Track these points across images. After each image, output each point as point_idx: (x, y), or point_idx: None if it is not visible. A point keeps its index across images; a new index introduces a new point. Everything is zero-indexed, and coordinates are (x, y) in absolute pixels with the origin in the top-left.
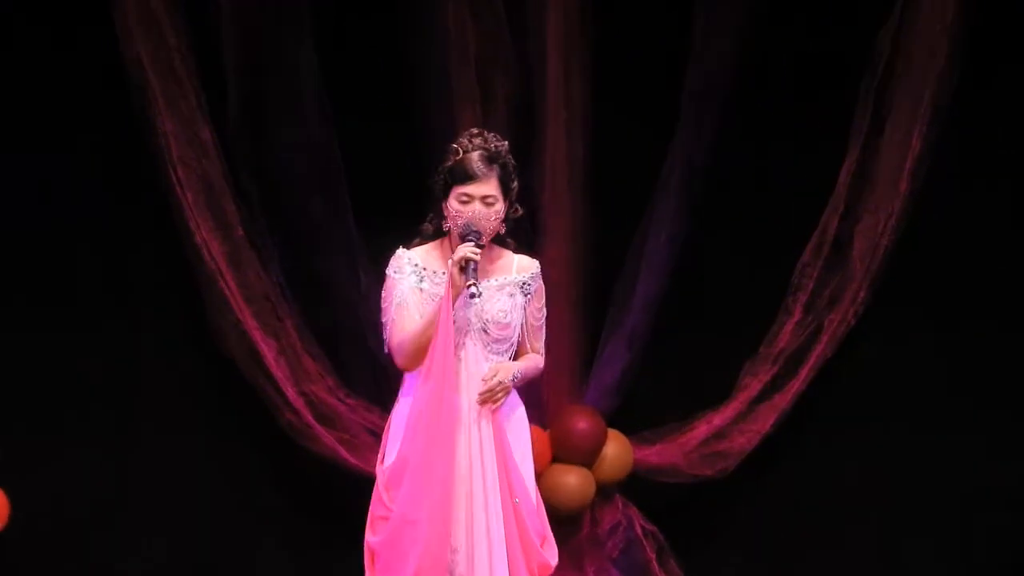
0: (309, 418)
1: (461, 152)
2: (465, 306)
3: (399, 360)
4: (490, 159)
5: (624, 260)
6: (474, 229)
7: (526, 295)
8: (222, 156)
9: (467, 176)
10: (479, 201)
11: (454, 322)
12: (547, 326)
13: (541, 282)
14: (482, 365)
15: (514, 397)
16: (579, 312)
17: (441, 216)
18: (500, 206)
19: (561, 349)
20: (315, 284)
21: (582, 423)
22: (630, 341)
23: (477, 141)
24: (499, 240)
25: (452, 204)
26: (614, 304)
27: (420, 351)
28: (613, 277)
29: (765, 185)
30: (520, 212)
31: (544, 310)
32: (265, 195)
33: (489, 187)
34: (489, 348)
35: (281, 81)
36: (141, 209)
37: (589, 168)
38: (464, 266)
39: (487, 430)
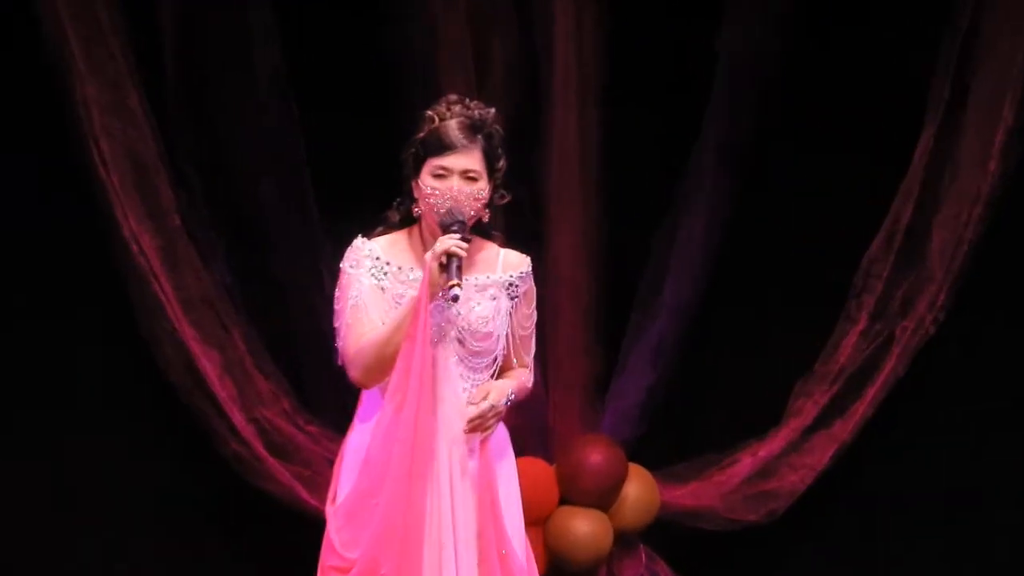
0: (260, 449)
1: (437, 120)
2: (437, 311)
3: (355, 373)
4: (473, 128)
5: (648, 256)
6: (459, 218)
7: (512, 299)
8: (156, 128)
9: (444, 146)
10: (458, 176)
11: None
12: (555, 335)
13: (532, 283)
14: (456, 384)
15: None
16: (593, 319)
17: (411, 199)
18: (484, 184)
19: (572, 364)
20: (269, 286)
21: (597, 456)
22: (656, 355)
23: (457, 108)
24: (481, 230)
25: (425, 180)
26: (637, 309)
27: (382, 364)
28: (635, 276)
29: (820, 166)
30: (507, 198)
31: (535, 315)
32: (208, 176)
33: (471, 160)
34: (467, 363)
35: (229, 39)
36: (59, 193)
37: (604, 146)
38: (447, 263)
39: (468, 464)
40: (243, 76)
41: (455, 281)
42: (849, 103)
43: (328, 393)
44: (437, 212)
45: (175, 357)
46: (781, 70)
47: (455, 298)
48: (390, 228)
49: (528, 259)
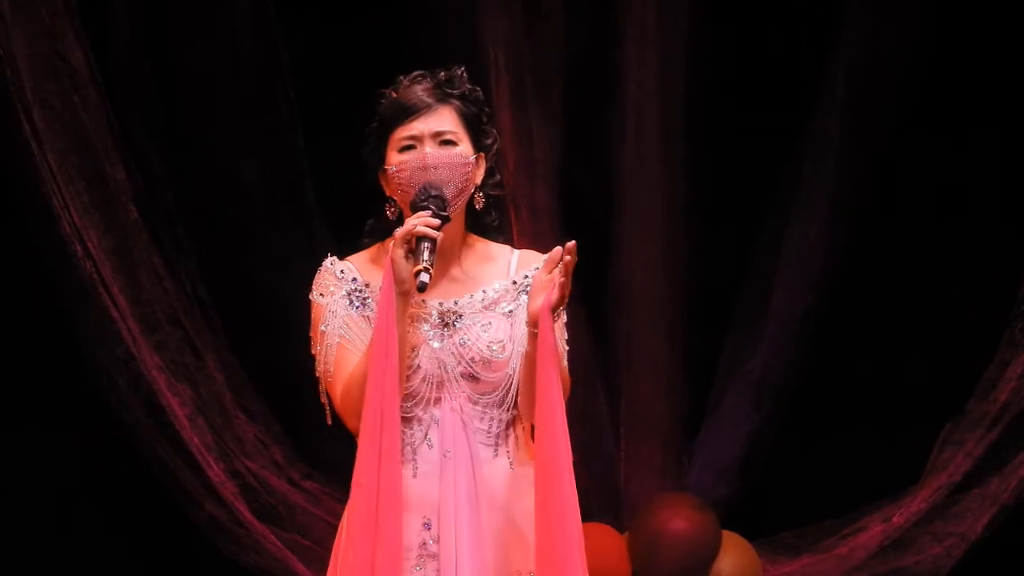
0: (244, 512)
1: (392, 93)
2: (434, 343)
3: (352, 424)
4: (438, 87)
5: (747, 268)
6: (433, 193)
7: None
8: (105, 94)
9: (405, 110)
10: (429, 140)
11: (418, 368)
12: (628, 370)
13: None
14: (472, 437)
15: (522, 479)
16: (678, 344)
17: (382, 200)
18: (467, 149)
19: (650, 406)
20: (254, 299)
21: (680, 522)
22: (758, 392)
23: (420, 80)
24: (479, 228)
25: (392, 159)
26: (733, 335)
27: None
28: (731, 293)
29: (966, 158)
30: (503, 191)
31: (564, 318)
32: (175, 156)
33: (442, 120)
34: (478, 403)
35: None
36: None
37: (690, 128)
38: (415, 247)
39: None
40: (219, 24)
41: (423, 264)
42: (986, 99)
43: (330, 439)
44: (411, 194)
45: (131, 392)
46: (911, 56)
47: (422, 286)
48: (364, 244)
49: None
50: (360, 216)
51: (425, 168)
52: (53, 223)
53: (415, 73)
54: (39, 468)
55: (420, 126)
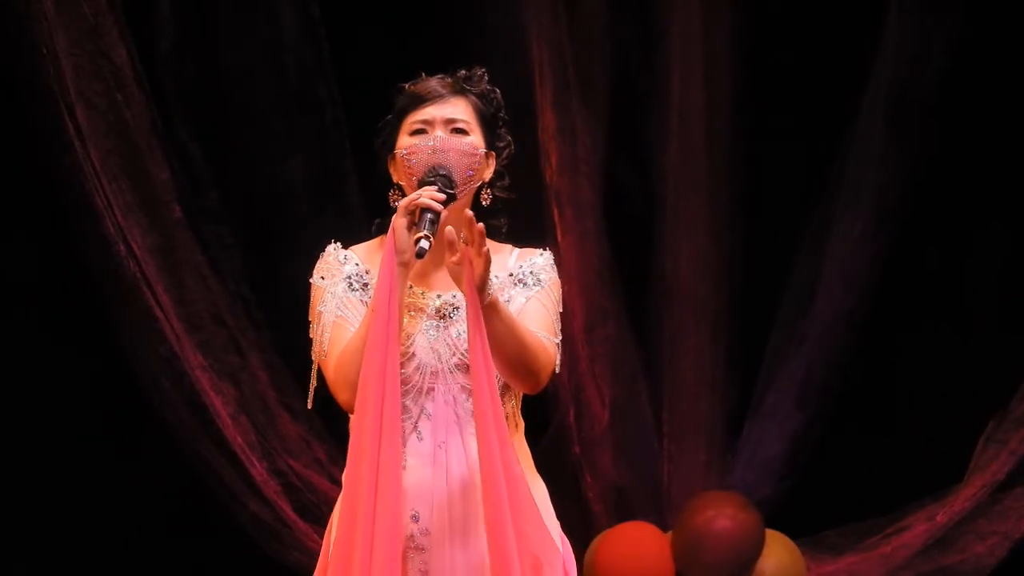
0: (287, 510)
1: (410, 86)
2: (430, 332)
3: (343, 396)
4: (456, 83)
5: (792, 264)
6: (441, 172)
7: (532, 286)
8: (148, 93)
9: (420, 98)
10: (441, 126)
11: (412, 356)
12: (672, 367)
13: (556, 274)
14: (464, 429)
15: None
16: (721, 343)
17: (389, 187)
18: (479, 141)
19: (693, 403)
20: (298, 298)
21: (725, 521)
22: (803, 390)
23: (440, 76)
24: (488, 229)
25: (403, 143)
26: (778, 332)
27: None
28: (776, 290)
29: (1009, 159)
30: (512, 195)
31: (560, 308)
32: (218, 155)
33: (455, 109)
34: (472, 394)
35: None
36: (20, 177)
37: (735, 127)
38: (418, 218)
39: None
40: (264, 23)
41: (423, 232)
42: None
43: None
44: (417, 175)
45: (175, 391)
46: (954, 58)
47: (421, 252)
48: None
49: (549, 253)
50: None
51: (434, 152)
52: (96, 222)
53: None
54: (82, 466)
55: (433, 111)
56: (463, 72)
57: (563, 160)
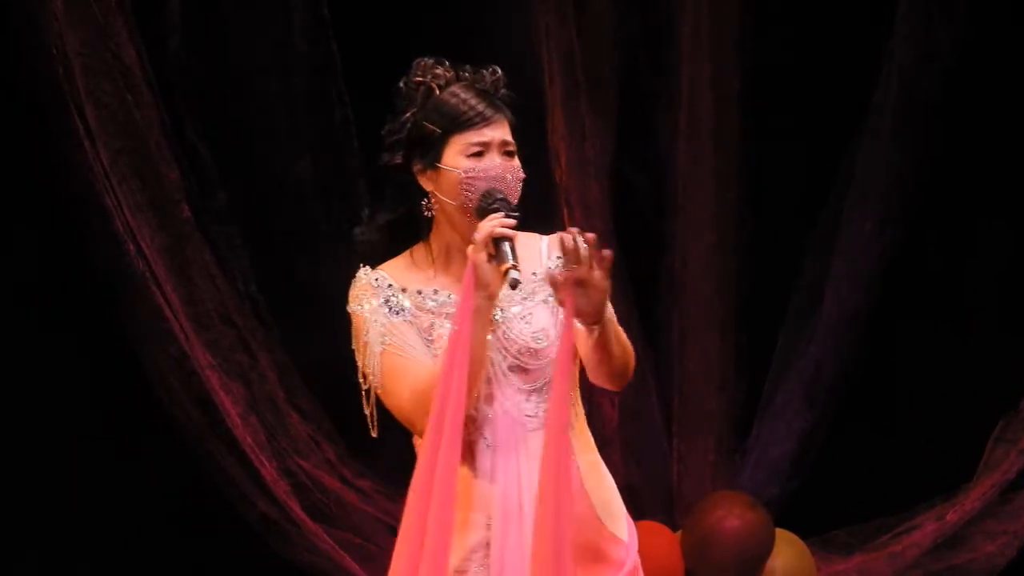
0: (297, 511)
1: (437, 88)
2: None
3: (424, 422)
4: (488, 93)
5: (801, 261)
6: (499, 196)
7: None
8: (158, 93)
9: (472, 116)
10: (497, 151)
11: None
12: (681, 366)
13: None
14: (525, 429)
15: (585, 468)
16: (730, 342)
17: (417, 195)
18: (519, 163)
19: (702, 403)
20: (307, 298)
21: (734, 520)
22: (812, 389)
23: (451, 74)
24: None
25: (459, 163)
26: (787, 330)
27: None
28: (785, 287)
29: (1017, 157)
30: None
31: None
32: (228, 155)
33: (505, 130)
34: (530, 394)
35: None
36: (29, 177)
37: (743, 126)
38: (496, 249)
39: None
40: (273, 22)
41: (510, 263)
42: None
43: (385, 437)
44: (476, 201)
45: (184, 391)
46: (962, 56)
47: (515, 283)
48: (383, 251)
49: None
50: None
51: (500, 178)
52: (106, 222)
53: (430, 61)
54: (87, 466)
55: (491, 133)
56: (488, 77)
57: (572, 161)
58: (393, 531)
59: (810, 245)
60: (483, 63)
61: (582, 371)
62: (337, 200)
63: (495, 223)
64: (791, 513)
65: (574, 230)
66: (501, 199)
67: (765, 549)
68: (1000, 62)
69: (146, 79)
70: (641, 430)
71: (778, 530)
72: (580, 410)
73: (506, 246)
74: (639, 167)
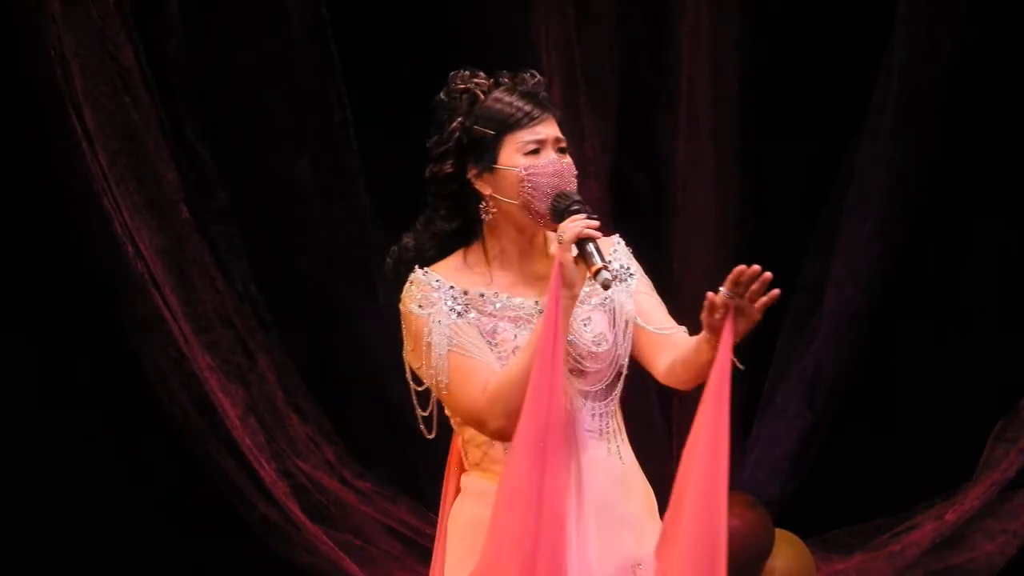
0: (296, 512)
1: (481, 94)
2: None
3: (497, 424)
4: (534, 94)
5: (801, 261)
6: (575, 198)
7: (624, 279)
8: (156, 94)
9: (523, 115)
10: (552, 147)
11: None
12: None
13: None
14: (582, 434)
15: (633, 471)
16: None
17: (473, 200)
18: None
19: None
20: (306, 299)
21: (733, 520)
22: (812, 389)
23: (490, 81)
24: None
25: (516, 161)
26: (786, 330)
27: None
28: (785, 288)
29: (1017, 158)
30: None
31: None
32: (226, 156)
33: (556, 128)
34: (587, 397)
35: None
36: (26, 178)
37: (743, 126)
38: (580, 250)
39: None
40: (272, 23)
41: (600, 264)
42: None
43: (383, 439)
44: (540, 198)
45: (183, 392)
46: (962, 56)
47: (607, 284)
48: (440, 251)
49: (616, 235)
50: (413, 212)
51: (559, 174)
52: (105, 223)
53: (467, 72)
54: (90, 466)
55: (545, 131)
56: (531, 81)
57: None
58: (393, 532)
59: (810, 245)
60: (483, 64)
61: (640, 374)
62: (337, 200)
63: (581, 223)
64: (791, 513)
65: (756, 267)
66: (578, 200)
67: (765, 549)
68: (1000, 62)
69: (144, 80)
70: (641, 430)
71: (778, 530)
72: (620, 418)
73: (591, 247)
74: (639, 167)
